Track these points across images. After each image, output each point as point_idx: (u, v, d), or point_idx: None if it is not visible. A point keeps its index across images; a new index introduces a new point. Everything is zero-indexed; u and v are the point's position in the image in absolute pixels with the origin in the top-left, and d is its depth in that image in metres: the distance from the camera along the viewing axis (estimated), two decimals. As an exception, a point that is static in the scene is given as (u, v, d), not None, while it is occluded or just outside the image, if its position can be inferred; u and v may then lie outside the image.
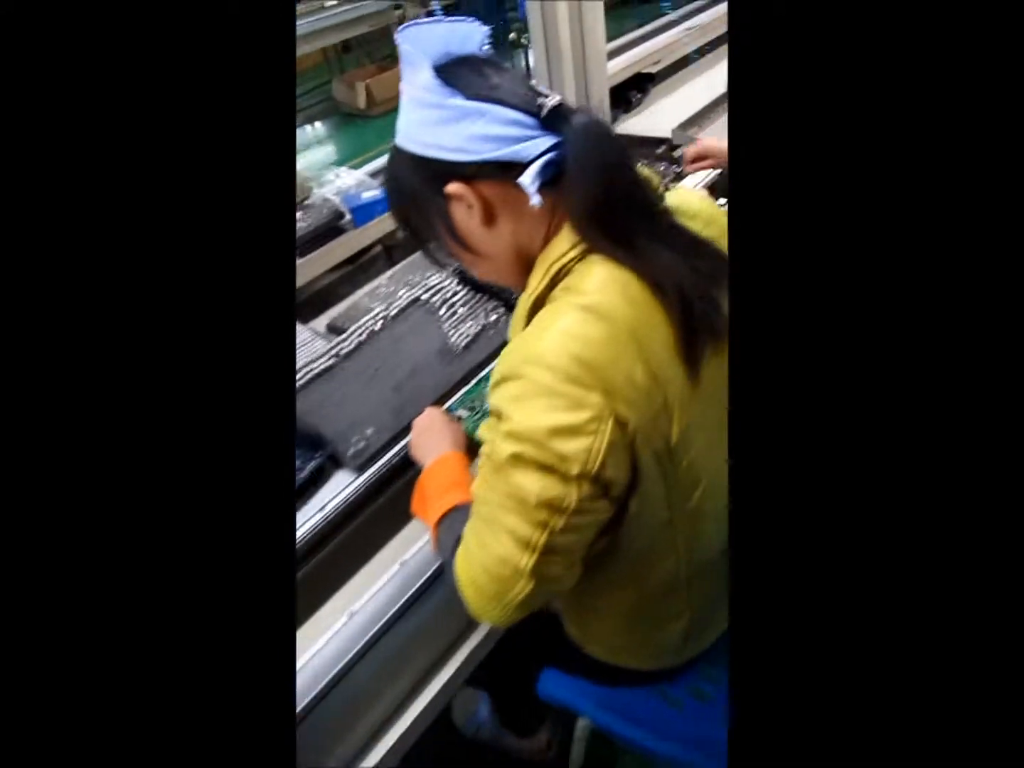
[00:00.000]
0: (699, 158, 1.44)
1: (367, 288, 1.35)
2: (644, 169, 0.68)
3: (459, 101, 0.61)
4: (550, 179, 0.62)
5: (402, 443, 0.91)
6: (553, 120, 0.62)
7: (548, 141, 0.61)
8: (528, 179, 0.59)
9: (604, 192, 0.60)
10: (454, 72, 0.63)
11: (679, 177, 1.55)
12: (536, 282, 0.64)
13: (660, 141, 1.69)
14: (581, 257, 0.62)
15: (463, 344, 1.02)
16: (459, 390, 0.98)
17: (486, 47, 0.68)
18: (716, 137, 1.45)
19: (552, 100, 0.62)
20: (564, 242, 0.63)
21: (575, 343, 0.57)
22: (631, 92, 2.01)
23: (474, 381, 0.99)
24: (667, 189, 0.72)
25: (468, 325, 1.04)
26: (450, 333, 1.03)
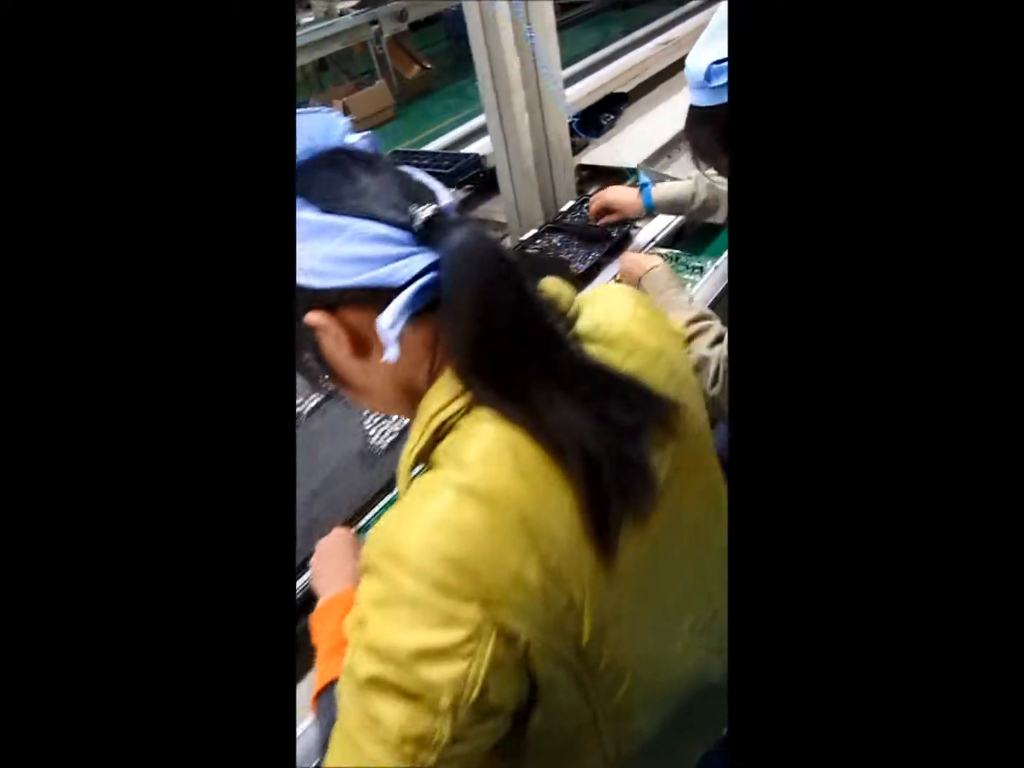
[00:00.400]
0: (604, 211, 1.33)
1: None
2: (551, 284, 0.55)
3: (311, 215, 0.49)
4: (431, 303, 0.49)
5: (307, 575, 0.79)
6: (430, 233, 0.49)
7: (424, 260, 0.49)
8: (388, 321, 0.47)
9: (486, 331, 0.48)
10: (311, 176, 0.50)
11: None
12: (417, 436, 0.51)
13: (628, 173, 1.56)
14: (467, 410, 0.50)
15: (385, 444, 0.89)
16: (381, 499, 0.86)
17: (356, 137, 0.55)
18: (623, 186, 1.35)
19: (426, 210, 0.49)
20: (444, 392, 0.50)
21: (447, 539, 0.44)
22: (602, 114, 1.88)
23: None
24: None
25: (392, 421, 0.91)
26: (371, 431, 0.91)
